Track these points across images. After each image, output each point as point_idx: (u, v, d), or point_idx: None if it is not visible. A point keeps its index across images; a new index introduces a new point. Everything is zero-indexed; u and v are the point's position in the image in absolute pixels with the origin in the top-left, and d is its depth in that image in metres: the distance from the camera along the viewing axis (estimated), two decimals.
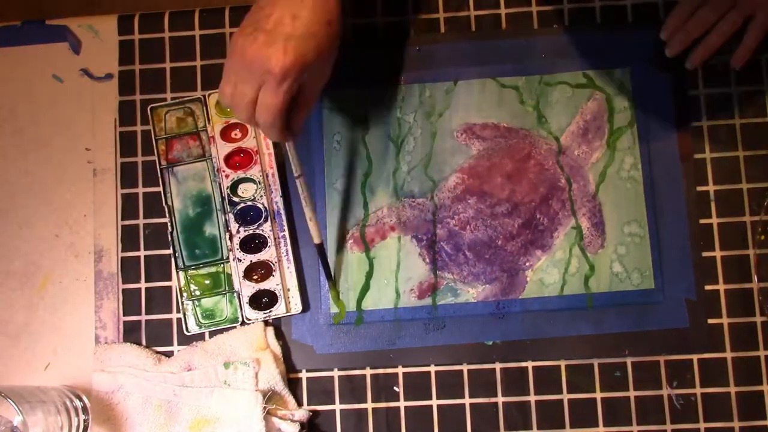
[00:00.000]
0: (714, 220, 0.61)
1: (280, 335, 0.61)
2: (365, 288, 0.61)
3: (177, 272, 0.61)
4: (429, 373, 0.60)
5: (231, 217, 0.62)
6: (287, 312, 0.60)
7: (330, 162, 0.63)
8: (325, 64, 0.52)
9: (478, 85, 0.63)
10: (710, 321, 0.60)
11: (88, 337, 0.62)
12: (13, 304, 0.63)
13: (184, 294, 0.61)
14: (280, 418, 0.58)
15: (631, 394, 0.59)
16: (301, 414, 0.59)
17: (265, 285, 0.61)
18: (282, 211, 0.62)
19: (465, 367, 0.60)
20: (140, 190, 0.63)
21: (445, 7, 0.64)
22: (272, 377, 0.58)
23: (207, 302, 0.61)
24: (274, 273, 0.61)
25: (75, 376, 0.61)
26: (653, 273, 0.60)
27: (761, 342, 0.60)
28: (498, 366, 0.60)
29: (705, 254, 0.61)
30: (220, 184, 0.62)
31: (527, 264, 0.61)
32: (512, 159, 0.62)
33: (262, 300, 0.61)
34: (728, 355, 0.60)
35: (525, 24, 0.64)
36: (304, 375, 0.61)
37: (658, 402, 0.59)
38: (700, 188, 0.62)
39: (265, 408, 0.57)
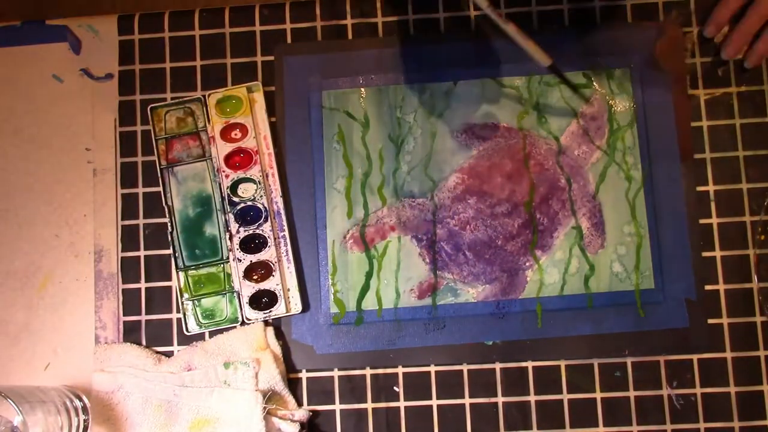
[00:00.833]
0: (714, 220, 0.61)
1: (280, 335, 0.61)
2: (365, 288, 0.61)
3: (177, 272, 0.61)
4: (429, 373, 0.60)
5: (231, 217, 0.62)
6: (287, 312, 0.60)
7: (330, 162, 0.63)
8: None
9: (478, 85, 0.63)
10: (710, 321, 0.60)
11: (88, 337, 0.62)
12: (13, 304, 0.63)
13: (185, 294, 0.61)
14: (280, 418, 0.58)
15: (631, 394, 0.59)
16: (301, 414, 0.59)
17: (265, 285, 0.61)
18: (282, 211, 0.62)
19: (465, 367, 0.60)
20: (140, 190, 0.63)
21: (445, 7, 0.64)
22: (272, 377, 0.58)
23: (207, 302, 0.61)
24: (274, 273, 0.61)
25: (75, 376, 0.61)
26: (653, 273, 0.60)
27: (761, 342, 0.60)
28: (498, 366, 0.60)
29: (705, 254, 0.61)
30: (220, 184, 0.62)
31: (527, 264, 0.61)
32: (512, 159, 0.62)
33: (262, 300, 0.61)
34: (728, 355, 0.60)
35: (525, 24, 0.64)
36: (304, 375, 0.61)
37: (658, 402, 0.59)
38: (700, 188, 0.62)
39: (265, 408, 0.57)
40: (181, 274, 0.61)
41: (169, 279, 0.62)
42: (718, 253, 0.61)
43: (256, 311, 0.60)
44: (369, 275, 0.61)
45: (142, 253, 0.63)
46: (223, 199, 0.62)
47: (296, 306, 0.60)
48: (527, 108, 0.63)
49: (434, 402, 0.60)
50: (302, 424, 0.59)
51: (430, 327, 0.60)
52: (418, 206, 0.62)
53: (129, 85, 0.65)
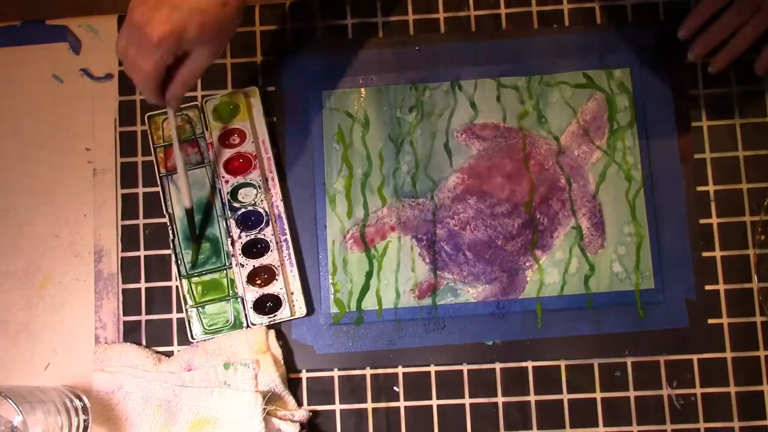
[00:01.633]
0: (714, 220, 0.61)
1: (280, 335, 0.61)
2: (365, 288, 0.61)
3: (180, 279, 0.61)
4: (429, 373, 0.60)
5: (232, 222, 0.62)
6: (292, 315, 0.60)
7: (330, 162, 0.63)
8: (210, 43, 0.52)
9: (478, 85, 0.63)
10: (710, 321, 0.60)
11: (88, 337, 0.62)
12: (13, 304, 0.63)
13: (188, 301, 0.61)
14: (280, 418, 0.58)
15: (631, 394, 0.59)
16: (301, 414, 0.59)
17: (269, 289, 0.61)
18: (283, 215, 0.62)
19: (465, 367, 0.60)
20: (140, 190, 0.63)
21: (445, 7, 0.65)
22: (272, 380, 0.58)
23: (211, 308, 0.61)
24: (277, 277, 0.61)
25: (75, 376, 0.61)
26: (653, 273, 0.60)
27: (761, 342, 0.60)
28: (498, 366, 0.60)
29: (705, 254, 0.61)
30: (220, 190, 0.62)
31: (527, 264, 0.61)
32: (512, 159, 0.62)
33: (266, 304, 0.61)
34: (728, 355, 0.60)
35: (525, 24, 0.64)
36: (304, 375, 0.61)
37: (658, 402, 0.59)
38: (700, 188, 0.62)
39: (264, 409, 0.57)
40: (184, 281, 0.61)
41: (169, 279, 0.62)
42: (718, 253, 0.61)
43: (261, 316, 0.60)
44: (369, 275, 0.61)
45: (142, 253, 0.63)
46: (223, 204, 0.62)
47: (300, 309, 0.60)
48: (527, 108, 0.63)
49: (434, 402, 0.60)
50: (302, 425, 0.59)
51: (430, 327, 0.60)
52: (418, 206, 0.62)
53: (129, 85, 0.65)
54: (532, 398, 0.60)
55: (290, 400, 0.59)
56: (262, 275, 0.61)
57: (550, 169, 0.62)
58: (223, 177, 0.62)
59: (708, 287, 0.60)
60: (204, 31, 0.50)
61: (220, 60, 0.64)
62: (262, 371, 0.58)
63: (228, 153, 0.63)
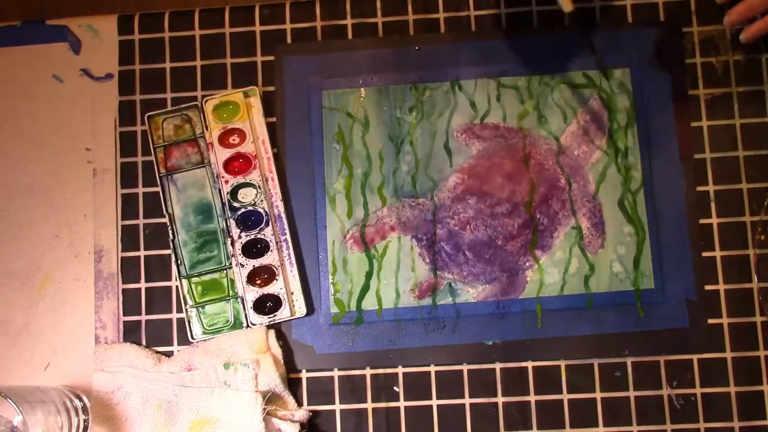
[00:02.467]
0: (714, 220, 0.61)
1: (280, 335, 0.61)
2: (365, 288, 0.61)
3: (180, 280, 0.61)
4: (429, 373, 0.60)
5: (232, 222, 0.62)
6: (292, 315, 0.60)
7: (330, 162, 0.63)
8: None
9: (478, 85, 0.63)
10: (710, 321, 0.60)
11: (88, 337, 0.62)
12: (13, 304, 0.63)
13: (188, 301, 0.61)
14: (280, 418, 0.58)
15: (631, 394, 0.59)
16: (301, 414, 0.59)
17: (269, 289, 0.61)
18: (283, 215, 0.62)
19: (465, 367, 0.60)
20: (140, 190, 0.63)
21: (445, 7, 0.65)
22: (272, 380, 0.58)
23: (211, 308, 0.61)
24: (277, 277, 0.61)
25: (75, 376, 0.61)
26: (653, 273, 0.60)
27: (761, 342, 0.60)
28: (498, 366, 0.60)
29: (705, 254, 0.61)
30: (219, 190, 0.62)
31: (527, 264, 0.61)
32: (512, 159, 0.62)
33: (267, 304, 0.61)
34: (728, 355, 0.60)
35: (525, 24, 0.64)
36: (304, 375, 0.61)
37: (658, 402, 0.59)
38: (700, 188, 0.62)
39: (264, 409, 0.57)
40: (184, 282, 0.61)
41: (169, 279, 0.62)
42: (718, 253, 0.61)
43: (261, 316, 0.60)
44: (369, 275, 0.61)
45: (142, 253, 0.63)
46: (223, 204, 0.62)
47: (300, 309, 0.60)
48: (527, 108, 0.63)
49: (434, 402, 0.60)
50: (302, 425, 0.59)
51: (430, 327, 0.60)
52: (418, 206, 0.62)
53: (129, 85, 0.65)
54: (532, 398, 0.60)
55: (290, 400, 0.59)
56: (262, 275, 0.61)
57: (550, 169, 0.62)
58: (222, 177, 0.62)
59: (708, 287, 0.60)
60: None
61: (219, 60, 0.64)
62: (262, 371, 0.58)
63: (228, 153, 0.63)
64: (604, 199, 0.62)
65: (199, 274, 0.61)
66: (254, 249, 0.61)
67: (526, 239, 0.61)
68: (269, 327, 0.60)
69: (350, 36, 0.65)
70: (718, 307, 0.60)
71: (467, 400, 0.60)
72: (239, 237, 0.61)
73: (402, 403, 0.60)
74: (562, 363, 0.60)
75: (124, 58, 0.65)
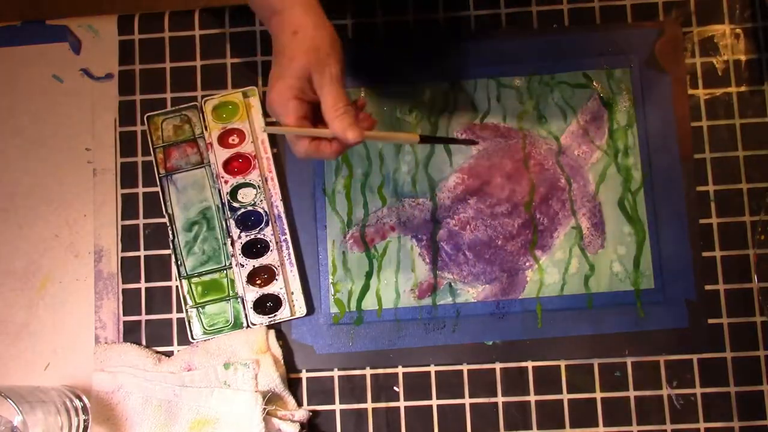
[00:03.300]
0: (714, 220, 0.61)
1: (280, 335, 0.61)
2: (365, 288, 0.61)
3: (180, 280, 0.61)
4: (429, 373, 0.60)
5: (232, 222, 0.62)
6: (292, 315, 0.60)
7: (330, 162, 0.63)
8: (317, 65, 0.50)
9: (478, 85, 0.63)
10: (710, 321, 0.60)
11: (88, 337, 0.62)
12: (13, 304, 0.63)
13: (188, 301, 0.61)
14: (280, 418, 0.58)
15: (631, 394, 0.59)
16: (301, 414, 0.59)
17: (269, 289, 0.61)
18: (282, 215, 0.62)
19: (465, 367, 0.60)
20: (140, 190, 0.63)
21: (445, 7, 0.64)
22: (272, 380, 0.58)
23: (211, 308, 0.61)
24: (277, 277, 0.61)
25: (75, 376, 0.61)
26: (653, 273, 0.60)
27: (761, 342, 0.60)
28: (498, 366, 0.60)
29: (705, 254, 0.61)
30: (219, 191, 0.62)
31: (527, 264, 0.61)
32: (512, 159, 0.62)
33: (267, 304, 0.61)
34: (728, 355, 0.60)
35: (525, 24, 0.64)
36: (304, 375, 0.61)
37: (658, 402, 0.59)
38: (700, 188, 0.62)
39: (264, 409, 0.57)
40: (184, 282, 0.61)
41: (169, 279, 0.62)
42: (718, 253, 0.61)
43: (261, 316, 0.60)
44: (369, 275, 0.61)
45: (142, 253, 0.63)
46: (223, 204, 0.62)
47: (300, 309, 0.60)
48: (527, 108, 0.63)
49: (434, 402, 0.60)
50: (302, 424, 0.59)
51: (430, 327, 0.60)
52: (418, 206, 0.62)
53: (129, 85, 0.65)
54: (532, 398, 0.60)
55: (290, 400, 0.59)
56: (262, 275, 0.61)
57: (550, 169, 0.62)
58: (222, 177, 0.62)
59: (708, 287, 0.60)
60: (292, 62, 0.49)
61: (219, 60, 0.64)
62: (262, 371, 0.58)
63: (227, 153, 0.62)
64: (604, 199, 0.62)
65: (199, 275, 0.61)
66: (254, 249, 0.61)
67: (526, 239, 0.61)
68: (269, 327, 0.60)
69: (350, 36, 0.65)
70: (718, 307, 0.60)
71: (467, 400, 0.60)
72: (239, 237, 0.61)
73: (402, 403, 0.60)
74: (562, 363, 0.60)
75: (124, 58, 0.65)
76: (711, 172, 0.62)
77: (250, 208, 0.62)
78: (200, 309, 0.61)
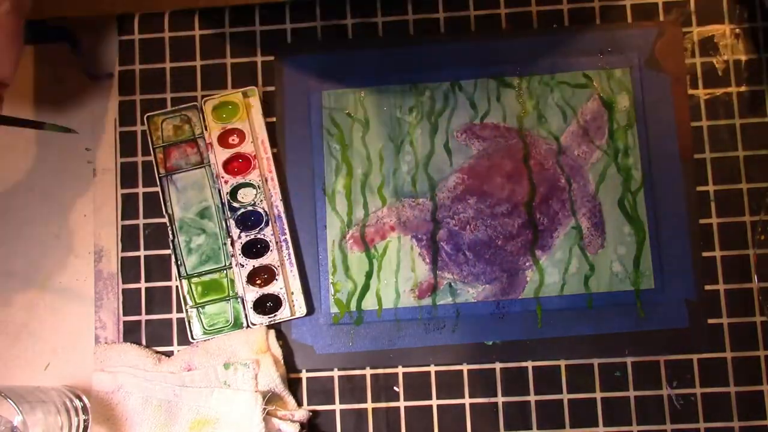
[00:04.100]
0: (714, 220, 0.61)
1: (280, 335, 0.61)
2: (365, 288, 0.61)
3: (180, 280, 0.61)
4: (429, 373, 0.60)
5: (232, 222, 0.62)
6: (292, 315, 0.60)
7: (330, 162, 0.63)
8: None
9: (478, 85, 0.63)
10: (710, 321, 0.60)
11: (88, 337, 0.62)
12: (13, 304, 0.63)
13: (189, 301, 0.61)
14: (280, 418, 0.58)
15: (631, 394, 0.59)
16: (301, 414, 0.59)
17: (269, 289, 0.61)
18: (283, 215, 0.62)
19: (465, 367, 0.60)
20: (140, 190, 0.63)
21: (445, 7, 0.65)
22: (272, 380, 0.58)
23: (211, 309, 0.61)
24: (277, 277, 0.61)
25: (75, 376, 0.61)
26: (653, 273, 0.60)
27: (761, 342, 0.60)
28: (498, 366, 0.60)
29: (705, 254, 0.61)
30: (219, 191, 0.62)
31: (527, 264, 0.61)
32: (512, 159, 0.62)
33: (267, 304, 0.61)
34: (728, 355, 0.60)
35: (525, 24, 0.64)
36: (304, 375, 0.61)
37: (658, 402, 0.59)
38: (700, 188, 0.62)
39: (264, 409, 0.57)
40: (184, 282, 0.61)
41: (169, 279, 0.62)
42: (718, 253, 0.61)
43: (261, 316, 0.60)
44: (369, 275, 0.61)
45: (142, 253, 0.63)
46: (223, 205, 0.62)
47: (300, 309, 0.60)
48: (527, 108, 0.63)
49: (434, 402, 0.60)
50: (302, 424, 0.59)
51: (430, 327, 0.60)
52: (418, 206, 0.62)
53: (129, 85, 0.65)
54: (532, 398, 0.60)
55: (290, 400, 0.59)
56: (262, 275, 0.61)
57: (550, 169, 0.62)
58: (222, 177, 0.62)
59: (708, 287, 0.60)
60: None
61: (219, 60, 0.64)
62: (262, 371, 0.58)
63: (227, 153, 0.63)
64: (604, 199, 0.62)
65: (199, 275, 0.61)
66: (254, 249, 0.61)
67: (526, 239, 0.61)
68: (269, 327, 0.60)
69: (350, 36, 0.65)
70: (718, 307, 0.60)
71: (467, 400, 0.60)
72: (239, 237, 0.61)
73: (402, 403, 0.60)
74: (562, 363, 0.60)
75: (124, 58, 0.65)
76: (711, 172, 0.62)
77: (250, 208, 0.62)
78: (200, 309, 0.61)
